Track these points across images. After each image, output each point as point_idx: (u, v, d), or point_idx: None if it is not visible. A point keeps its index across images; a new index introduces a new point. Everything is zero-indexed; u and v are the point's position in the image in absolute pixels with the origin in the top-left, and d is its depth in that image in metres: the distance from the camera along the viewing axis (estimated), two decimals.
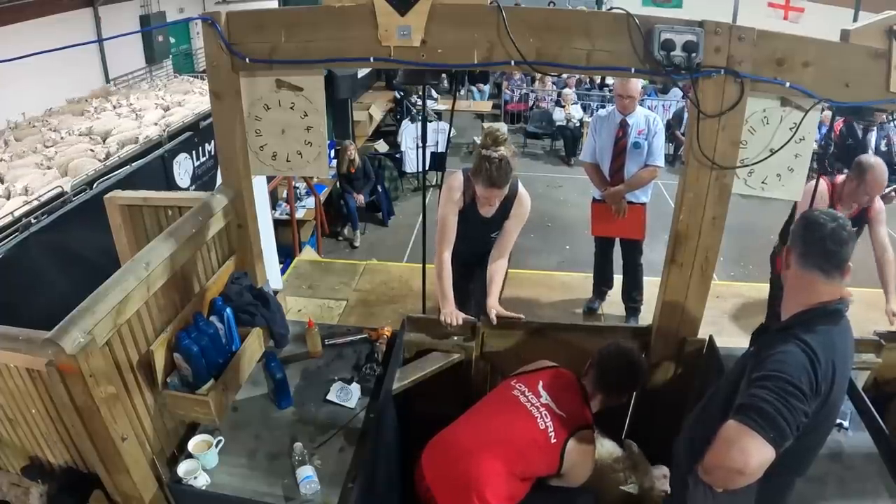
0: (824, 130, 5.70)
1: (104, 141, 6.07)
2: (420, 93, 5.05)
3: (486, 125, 9.95)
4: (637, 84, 3.90)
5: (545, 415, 2.13)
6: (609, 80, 11.33)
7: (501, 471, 2.04)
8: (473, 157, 2.74)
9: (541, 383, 2.22)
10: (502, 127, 10.15)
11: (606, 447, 2.47)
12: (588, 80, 11.36)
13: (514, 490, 2.07)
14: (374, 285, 4.98)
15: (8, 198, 4.74)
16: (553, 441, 2.08)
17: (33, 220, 4.13)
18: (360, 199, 7.12)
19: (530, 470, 2.11)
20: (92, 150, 5.83)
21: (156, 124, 6.52)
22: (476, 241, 2.97)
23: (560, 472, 2.12)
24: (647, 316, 2.53)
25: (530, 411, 2.14)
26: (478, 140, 10.02)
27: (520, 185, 2.86)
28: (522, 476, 2.10)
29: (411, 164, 8.48)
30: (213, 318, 2.24)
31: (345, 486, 1.97)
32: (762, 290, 4.74)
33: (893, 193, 4.17)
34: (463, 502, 2.01)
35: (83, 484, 1.95)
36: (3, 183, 5.12)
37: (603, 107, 10.83)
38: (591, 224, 4.24)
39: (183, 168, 5.77)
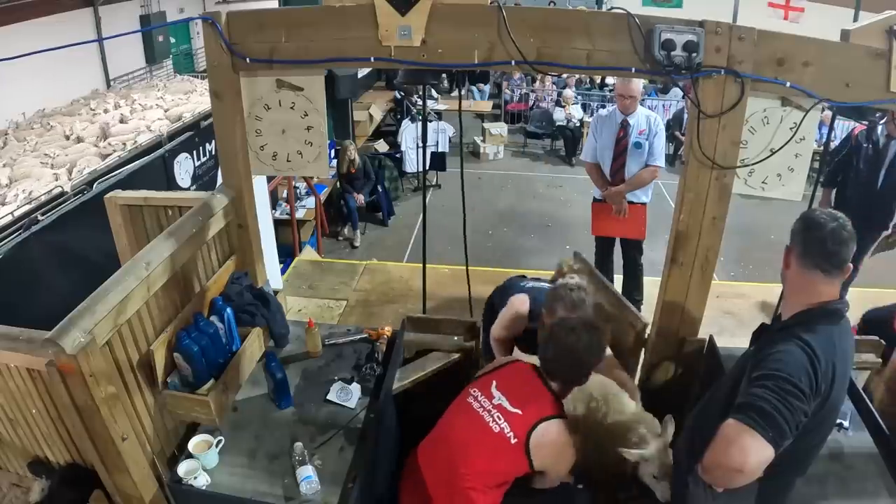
0: (840, 136, 5.58)
1: (105, 140, 6.08)
2: (420, 93, 5.06)
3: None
4: (638, 84, 3.89)
5: (497, 417, 1.99)
6: (609, 80, 11.34)
7: (475, 485, 1.95)
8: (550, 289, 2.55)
9: (494, 383, 2.09)
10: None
11: (630, 407, 2.24)
12: (588, 79, 11.36)
13: (491, 499, 1.98)
14: (374, 285, 4.98)
15: (4, 202, 4.74)
16: (513, 441, 1.95)
17: (40, 218, 4.14)
18: (360, 198, 7.12)
19: (502, 475, 1.99)
20: (96, 147, 5.84)
21: (159, 120, 6.53)
22: None
23: (534, 469, 1.98)
24: (647, 316, 2.52)
25: (482, 416, 2.02)
26: (478, 140, 10.06)
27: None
28: (496, 483, 1.98)
29: (411, 164, 8.48)
30: (213, 318, 2.24)
31: (345, 486, 1.97)
32: (762, 289, 4.75)
33: None
34: None
35: (84, 479, 1.95)
36: (8, 185, 5.13)
37: (603, 107, 10.83)
38: (592, 224, 4.24)
39: (183, 168, 5.77)
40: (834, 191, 4.28)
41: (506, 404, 2.01)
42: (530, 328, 2.68)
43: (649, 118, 3.90)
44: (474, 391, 2.11)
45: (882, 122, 3.86)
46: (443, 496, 1.99)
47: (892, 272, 5.43)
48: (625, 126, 3.89)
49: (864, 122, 3.63)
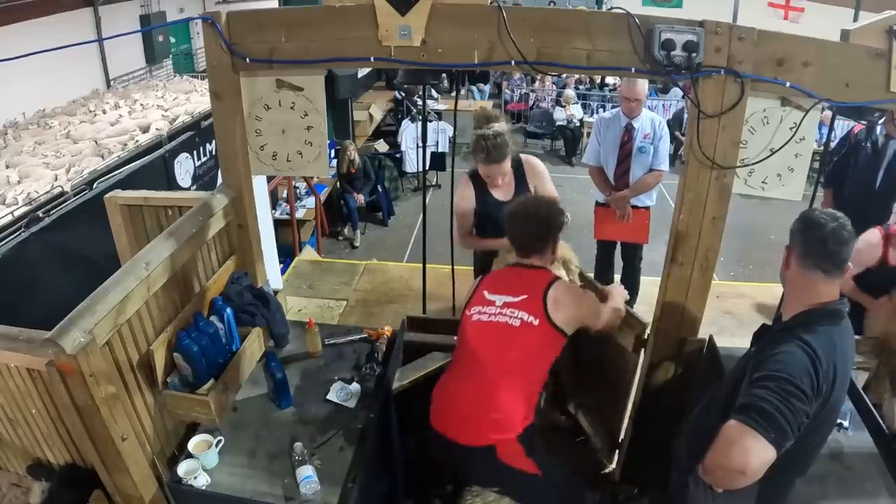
0: (840, 135, 5.59)
1: (104, 139, 6.07)
2: (421, 93, 5.07)
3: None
4: (644, 87, 3.79)
5: (511, 312, 2.05)
6: (609, 80, 11.35)
7: (517, 396, 2.02)
8: (471, 139, 2.85)
9: (485, 293, 2.15)
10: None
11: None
12: (588, 79, 11.36)
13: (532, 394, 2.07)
14: (374, 285, 4.97)
15: (5, 203, 4.74)
16: (536, 323, 2.01)
17: (41, 215, 4.14)
18: (360, 198, 7.12)
19: (546, 361, 2.06)
20: (95, 147, 5.84)
21: (159, 119, 6.52)
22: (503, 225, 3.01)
23: (568, 335, 2.06)
24: (646, 316, 2.52)
25: (497, 321, 2.06)
26: None
27: (522, 155, 2.88)
28: (539, 376, 2.07)
29: (411, 164, 8.49)
30: (213, 318, 2.24)
31: (345, 486, 1.97)
32: (762, 289, 4.75)
33: None
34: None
35: (84, 480, 1.95)
36: (19, 182, 5.13)
37: (603, 107, 10.84)
38: (595, 228, 4.21)
39: (184, 168, 5.77)
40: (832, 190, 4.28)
41: (509, 299, 2.08)
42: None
43: (654, 121, 3.82)
44: (473, 310, 2.14)
45: (881, 121, 3.87)
46: (483, 423, 2.01)
47: None
48: (629, 130, 3.80)
49: (863, 122, 3.64)
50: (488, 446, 2.01)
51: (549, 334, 2.03)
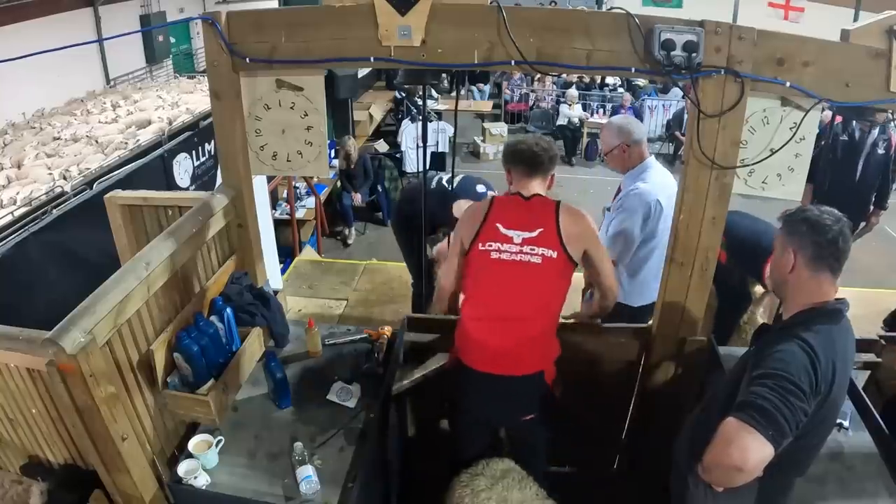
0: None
1: (103, 139, 6.07)
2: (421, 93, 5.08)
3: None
4: (608, 135, 2.79)
5: (531, 249, 2.11)
6: (609, 80, 11.34)
7: (549, 327, 2.18)
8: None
9: (499, 226, 2.15)
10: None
11: None
12: (588, 78, 11.35)
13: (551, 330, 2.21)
14: (374, 285, 4.98)
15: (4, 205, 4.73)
16: (555, 255, 2.11)
17: (54, 212, 4.13)
18: (358, 197, 7.13)
19: (563, 296, 2.20)
20: (95, 146, 5.83)
21: (158, 119, 6.52)
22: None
23: (577, 262, 2.17)
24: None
25: (519, 261, 2.11)
26: (478, 140, 10.06)
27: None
28: (559, 308, 2.21)
29: (411, 163, 8.49)
30: (213, 318, 2.24)
31: (345, 486, 1.97)
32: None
33: (874, 219, 4.23)
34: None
35: (83, 481, 1.95)
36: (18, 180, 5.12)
37: (603, 107, 10.83)
38: None
39: (182, 168, 5.76)
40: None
41: (527, 235, 2.13)
42: None
43: (635, 188, 2.70)
44: (491, 245, 2.15)
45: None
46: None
47: (892, 273, 5.43)
48: (620, 189, 2.87)
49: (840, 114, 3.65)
50: (539, 372, 2.18)
51: (565, 264, 2.15)
